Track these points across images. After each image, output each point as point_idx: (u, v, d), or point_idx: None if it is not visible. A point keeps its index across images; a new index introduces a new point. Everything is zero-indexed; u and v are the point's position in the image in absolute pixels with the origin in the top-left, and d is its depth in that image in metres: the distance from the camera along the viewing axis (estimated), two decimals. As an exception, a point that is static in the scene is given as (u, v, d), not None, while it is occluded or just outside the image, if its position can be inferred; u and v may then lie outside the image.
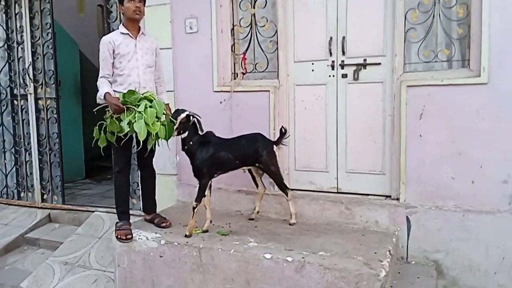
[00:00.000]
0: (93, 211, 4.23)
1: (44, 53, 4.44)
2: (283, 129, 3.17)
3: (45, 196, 4.57)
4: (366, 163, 3.33)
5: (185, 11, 3.73)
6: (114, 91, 2.95)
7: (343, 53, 3.33)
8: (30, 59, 4.47)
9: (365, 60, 3.27)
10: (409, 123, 3.06)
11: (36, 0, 4.42)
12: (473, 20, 2.91)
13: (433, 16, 3.08)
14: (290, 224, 3.22)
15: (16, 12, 4.57)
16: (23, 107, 4.60)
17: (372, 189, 3.32)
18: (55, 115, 4.44)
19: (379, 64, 3.23)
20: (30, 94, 4.48)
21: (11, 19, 4.63)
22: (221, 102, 3.66)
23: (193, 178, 3.71)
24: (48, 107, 4.48)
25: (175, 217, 3.37)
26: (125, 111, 2.76)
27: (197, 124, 2.96)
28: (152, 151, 3.07)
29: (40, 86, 4.49)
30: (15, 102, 4.65)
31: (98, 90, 2.95)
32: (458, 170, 2.95)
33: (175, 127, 2.90)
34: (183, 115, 2.94)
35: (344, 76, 3.35)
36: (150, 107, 2.75)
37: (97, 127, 2.92)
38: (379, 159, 3.29)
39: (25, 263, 3.85)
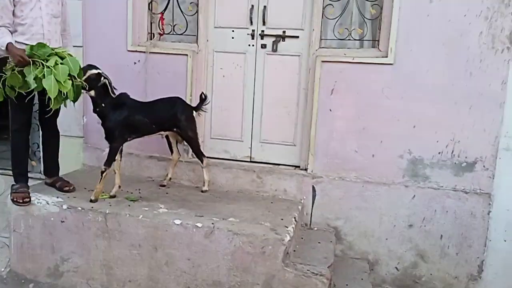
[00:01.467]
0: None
1: None
2: (203, 95, 3.13)
3: None
4: (279, 134, 3.43)
5: None
6: (16, 42, 2.65)
7: (264, 23, 3.34)
8: None
9: (284, 32, 3.31)
10: (321, 97, 3.19)
11: None
12: (386, 2, 3.07)
13: (350, -5, 3.21)
14: (202, 191, 3.22)
15: None
16: None
17: (283, 159, 3.44)
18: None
19: (297, 37, 3.29)
20: None
21: None
22: (135, 63, 3.48)
23: (102, 141, 3.54)
24: None
25: (80, 181, 3.19)
26: (31, 65, 2.50)
27: (109, 86, 2.79)
28: (57, 110, 2.83)
29: None
30: None
31: None
32: (362, 144, 3.16)
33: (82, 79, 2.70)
34: (94, 71, 2.76)
35: (263, 46, 3.36)
36: (62, 63, 2.51)
37: None
38: (291, 131, 3.40)
39: None
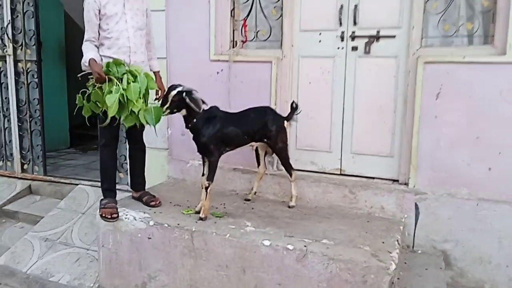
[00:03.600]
0: (76, 184, 3.96)
1: (24, 11, 4.04)
2: (294, 104, 2.92)
3: (25, 166, 4.26)
4: (373, 144, 3.09)
5: None
6: (102, 56, 2.65)
7: (355, 23, 3.04)
8: (9, 17, 4.06)
9: (378, 32, 2.98)
10: (424, 102, 2.81)
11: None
12: (501, -9, 2.63)
13: (457, -15, 2.80)
14: (289, 207, 2.99)
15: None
16: (1, 69, 4.22)
17: (379, 173, 3.10)
18: (36, 79, 4.09)
19: (394, 37, 2.94)
20: (9, 55, 4.10)
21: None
22: (218, 73, 3.36)
23: (186, 153, 3.52)
24: (28, 71, 4.12)
25: (165, 195, 3.14)
26: (107, 82, 2.46)
27: (191, 103, 2.66)
28: (142, 124, 2.78)
29: (20, 47, 4.11)
30: (-7, 63, 4.27)
31: (83, 55, 2.64)
32: (475, 155, 2.73)
33: (165, 106, 2.61)
34: (173, 92, 2.63)
35: (354, 49, 3.06)
36: (134, 82, 2.45)
37: (80, 95, 2.62)
38: (387, 141, 3.05)
39: (2, 238, 3.61)
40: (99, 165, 2.83)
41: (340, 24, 3.08)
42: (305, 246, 2.36)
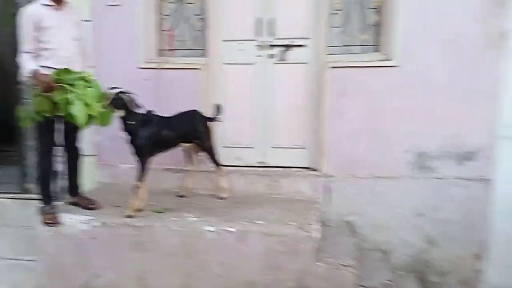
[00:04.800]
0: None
1: None
2: (217, 106, 3.26)
3: None
4: (290, 138, 3.59)
5: None
6: (42, 66, 2.72)
7: (271, 34, 3.50)
8: None
9: (291, 42, 3.48)
10: (331, 101, 3.37)
11: None
12: (387, 8, 3.29)
13: (352, 3, 3.41)
14: (221, 199, 3.33)
15: None
16: None
17: (296, 162, 3.60)
18: None
19: (304, 46, 3.47)
20: None
21: None
22: (146, 80, 3.57)
23: (115, 158, 3.65)
24: None
25: (101, 198, 3.24)
26: (58, 90, 2.58)
27: (128, 104, 2.88)
28: (77, 129, 2.92)
29: None
30: None
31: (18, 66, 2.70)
32: (371, 142, 3.37)
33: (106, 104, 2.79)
34: (114, 91, 2.84)
35: (271, 56, 3.53)
36: (89, 87, 2.60)
37: (20, 106, 2.67)
38: (302, 135, 3.57)
39: None
40: (40, 173, 2.89)
41: (259, 34, 3.52)
42: (244, 227, 2.74)
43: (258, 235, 2.71)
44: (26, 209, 3.65)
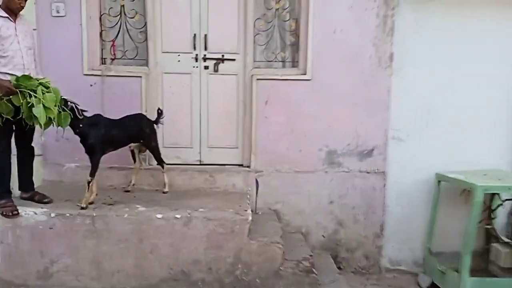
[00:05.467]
0: None
1: None
2: (159, 110, 3.70)
3: None
4: (224, 139, 4.14)
5: None
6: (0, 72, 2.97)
7: (205, 48, 4.03)
8: None
9: (223, 55, 4.03)
10: (258, 107, 3.98)
11: None
12: (301, 32, 3.98)
13: (274, 26, 4.06)
14: (164, 193, 3.77)
15: None
16: None
17: (229, 160, 4.15)
18: None
19: (234, 60, 4.04)
20: None
21: None
22: (91, 85, 3.89)
23: (61, 157, 3.93)
24: None
25: (51, 194, 3.49)
26: (19, 95, 2.86)
27: (75, 110, 3.23)
28: (33, 131, 3.20)
29: None
30: None
31: None
32: (291, 142, 4.03)
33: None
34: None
35: (206, 67, 4.05)
36: (48, 92, 2.92)
37: None
38: (234, 136, 4.14)
39: None
40: (-3, 171, 3.11)
41: (194, 48, 4.02)
42: (189, 214, 3.23)
43: (201, 220, 3.21)
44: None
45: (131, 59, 4.05)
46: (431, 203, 4.06)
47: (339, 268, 3.97)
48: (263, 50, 4.09)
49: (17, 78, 2.93)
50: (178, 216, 3.20)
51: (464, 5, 3.94)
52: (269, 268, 3.27)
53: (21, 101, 2.87)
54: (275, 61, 4.12)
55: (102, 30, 3.99)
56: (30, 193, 3.36)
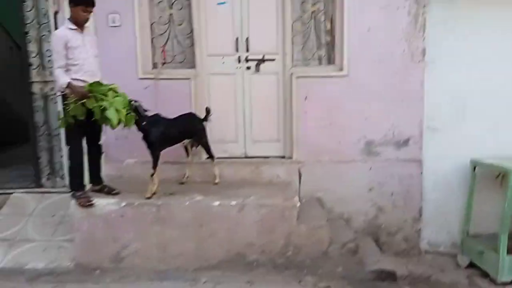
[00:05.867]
0: (11, 193, 4.32)
1: None
2: (207, 109, 4.04)
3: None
4: (266, 133, 4.45)
5: (106, 7, 4.15)
6: (72, 79, 3.36)
7: (247, 50, 4.35)
8: None
9: (263, 56, 4.34)
10: (297, 103, 4.27)
11: None
12: (337, 31, 4.26)
13: (310, 27, 4.35)
14: (215, 184, 4.11)
15: None
16: None
17: (272, 153, 4.46)
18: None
19: (274, 60, 4.35)
20: None
21: None
22: (145, 88, 4.27)
23: (121, 154, 4.32)
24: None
25: (116, 187, 3.89)
26: (91, 99, 3.27)
27: (138, 110, 3.60)
28: (100, 130, 3.59)
29: None
30: None
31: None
32: (330, 134, 4.30)
33: None
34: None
35: (248, 68, 4.37)
36: (117, 96, 3.30)
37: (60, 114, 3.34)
38: (275, 130, 4.44)
39: (-50, 248, 3.81)
40: (71, 165, 3.52)
41: (237, 50, 4.35)
42: (243, 201, 3.56)
43: (254, 207, 3.54)
44: (41, 202, 4.24)
45: (180, 62, 4.42)
46: (466, 188, 4.26)
47: (380, 250, 4.22)
48: (301, 50, 4.39)
49: (90, 84, 3.33)
50: (233, 203, 3.54)
51: (493, 2, 4.13)
52: (318, 250, 3.57)
53: (94, 104, 3.25)
54: (312, 59, 4.40)
55: (153, 37, 4.37)
56: (100, 186, 3.75)
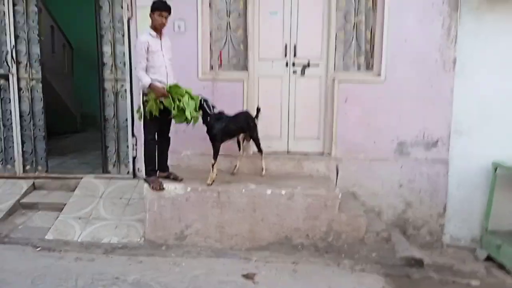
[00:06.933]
0: (81, 178, 4.90)
1: (29, 38, 4.82)
2: (258, 108, 4.54)
3: (27, 168, 4.98)
4: (308, 131, 4.94)
5: (174, 14, 4.56)
6: (151, 79, 3.90)
7: (294, 55, 4.84)
8: (13, 43, 4.78)
9: (309, 61, 4.83)
10: (338, 105, 4.76)
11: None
12: (377, 41, 4.72)
13: (352, 37, 4.82)
14: (261, 176, 4.62)
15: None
16: (1, 86, 4.89)
17: (313, 149, 4.96)
18: (41, 94, 4.88)
19: (318, 65, 4.83)
20: (12, 74, 4.80)
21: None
22: (204, 88, 4.79)
23: (179, 147, 4.85)
24: (32, 87, 4.88)
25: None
26: (169, 98, 3.83)
27: (206, 107, 4.13)
28: (170, 125, 4.15)
29: (24, 68, 4.86)
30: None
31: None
32: (366, 134, 4.78)
33: None
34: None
35: (294, 72, 4.87)
36: (192, 99, 3.83)
37: (139, 108, 3.90)
38: (316, 129, 4.94)
39: (34, 222, 4.41)
40: (146, 153, 4.08)
41: (285, 56, 4.85)
42: (291, 190, 4.06)
43: (301, 195, 4.04)
44: (109, 186, 4.81)
45: (233, 65, 4.93)
46: (487, 188, 4.70)
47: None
48: (342, 56, 4.86)
49: (170, 86, 3.87)
50: (283, 192, 4.05)
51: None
52: (355, 236, 4.07)
53: (172, 104, 3.79)
54: (352, 65, 4.87)
55: (211, 43, 4.88)
56: (167, 173, 4.29)
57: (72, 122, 8.08)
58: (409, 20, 4.60)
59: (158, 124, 4.04)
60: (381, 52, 4.67)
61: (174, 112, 3.82)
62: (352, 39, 4.84)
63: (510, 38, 4.60)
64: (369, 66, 4.86)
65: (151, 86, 3.85)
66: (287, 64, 4.86)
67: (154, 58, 3.94)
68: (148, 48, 3.89)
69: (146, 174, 4.13)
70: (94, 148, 6.61)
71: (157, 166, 4.28)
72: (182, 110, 3.81)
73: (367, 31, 4.81)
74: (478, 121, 4.74)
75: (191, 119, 3.87)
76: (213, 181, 4.20)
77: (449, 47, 4.61)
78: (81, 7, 8.17)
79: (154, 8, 3.93)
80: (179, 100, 3.81)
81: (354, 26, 4.81)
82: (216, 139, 4.19)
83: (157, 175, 4.16)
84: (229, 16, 4.86)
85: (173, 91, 3.85)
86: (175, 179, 4.23)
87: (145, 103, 3.90)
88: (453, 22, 4.58)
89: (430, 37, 4.61)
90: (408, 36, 4.63)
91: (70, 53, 7.83)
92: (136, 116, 4.35)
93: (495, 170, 4.60)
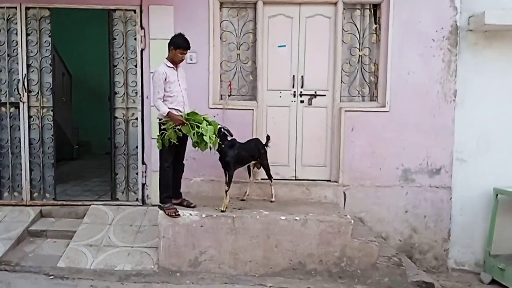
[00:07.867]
0: (89, 205, 4.87)
1: (41, 67, 4.90)
2: (268, 136, 4.67)
3: (34, 195, 4.93)
4: (315, 159, 5.08)
5: None
6: (169, 108, 4.00)
7: (302, 86, 5.02)
8: (25, 71, 4.84)
9: (315, 92, 5.02)
10: (345, 134, 4.92)
11: (34, 19, 4.89)
12: (381, 73, 4.95)
13: (357, 69, 5.05)
14: (271, 201, 4.70)
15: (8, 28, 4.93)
16: (12, 114, 4.92)
17: (320, 176, 5.08)
18: (51, 122, 4.90)
19: (325, 95, 5.02)
20: (23, 102, 4.83)
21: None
22: (215, 116, 4.90)
23: (189, 173, 4.90)
24: (43, 115, 4.91)
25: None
26: (188, 126, 3.93)
27: (228, 134, 4.24)
28: (185, 151, 4.22)
29: (36, 96, 4.91)
30: (2, 109, 4.93)
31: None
32: (373, 162, 4.94)
33: None
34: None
35: (302, 102, 5.04)
36: (209, 125, 3.93)
37: (159, 137, 4.00)
38: (322, 157, 5.07)
39: (44, 250, 4.34)
40: (162, 180, 4.12)
41: (293, 86, 5.03)
42: (305, 217, 4.14)
43: (314, 222, 4.12)
44: (118, 213, 4.80)
45: (243, 95, 5.08)
46: (489, 213, 4.88)
47: (414, 266, 4.79)
48: (347, 87, 5.07)
49: (188, 113, 3.96)
50: (297, 218, 4.12)
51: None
52: (368, 261, 4.13)
53: (191, 131, 3.88)
54: (357, 96, 5.08)
55: (221, 73, 5.04)
56: (180, 200, 4.33)
57: (68, 150, 8.03)
58: (411, 54, 4.86)
59: (174, 151, 4.11)
60: (385, 84, 4.89)
61: (194, 138, 3.90)
62: (357, 71, 5.06)
63: (508, 71, 4.89)
64: (373, 97, 5.06)
65: (169, 115, 3.95)
66: (294, 95, 5.04)
67: (172, 88, 4.06)
68: (165, 79, 4.00)
69: (160, 201, 4.15)
70: (94, 175, 6.67)
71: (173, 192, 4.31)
72: (201, 136, 3.89)
73: (371, 64, 5.04)
74: (479, 149, 4.98)
75: (212, 143, 3.95)
76: (227, 207, 4.25)
77: (450, 80, 4.87)
78: (83, 35, 8.35)
79: (177, 46, 4.06)
80: (198, 127, 3.90)
81: (359, 59, 5.04)
82: (229, 167, 4.27)
83: (172, 202, 4.19)
84: (239, 48, 5.05)
85: (192, 118, 3.94)
86: (188, 206, 4.27)
87: (163, 131, 3.98)
88: (453, 57, 4.86)
89: (432, 70, 4.88)
90: (410, 69, 4.87)
91: (69, 81, 7.87)
92: (146, 143, 4.40)
93: (496, 196, 4.79)
